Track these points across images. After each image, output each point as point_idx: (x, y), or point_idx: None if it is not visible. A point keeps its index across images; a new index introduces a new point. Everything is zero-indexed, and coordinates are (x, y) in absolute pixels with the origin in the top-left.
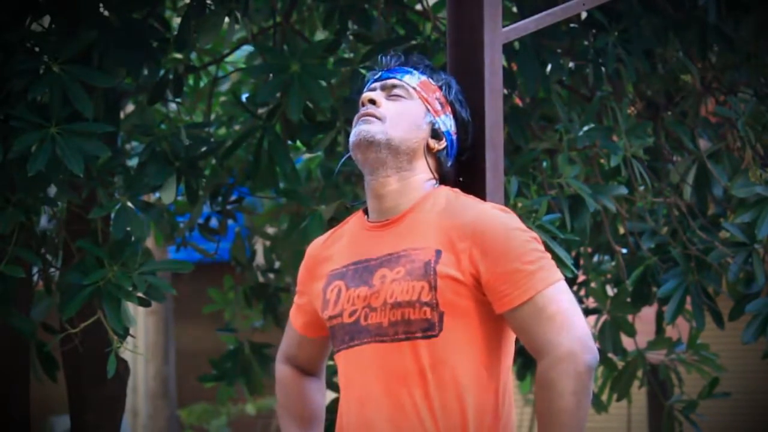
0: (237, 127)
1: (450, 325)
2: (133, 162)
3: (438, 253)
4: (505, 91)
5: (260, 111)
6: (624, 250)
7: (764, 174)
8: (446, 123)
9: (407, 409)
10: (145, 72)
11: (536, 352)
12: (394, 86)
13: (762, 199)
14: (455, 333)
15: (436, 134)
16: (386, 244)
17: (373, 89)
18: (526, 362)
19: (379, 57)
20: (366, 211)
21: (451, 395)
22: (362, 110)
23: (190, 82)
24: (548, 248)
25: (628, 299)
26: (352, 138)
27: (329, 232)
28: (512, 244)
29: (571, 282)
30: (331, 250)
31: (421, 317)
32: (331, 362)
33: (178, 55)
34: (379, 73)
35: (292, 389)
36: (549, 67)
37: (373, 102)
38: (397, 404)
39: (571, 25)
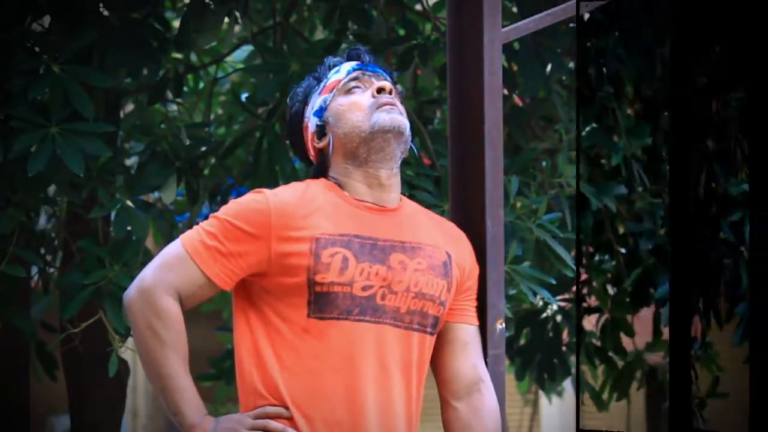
0: (237, 127)
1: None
2: (133, 162)
3: (449, 255)
4: (505, 91)
5: (260, 111)
6: (623, 251)
7: None
8: None
9: (403, 397)
10: (145, 72)
11: (466, 373)
12: (384, 88)
13: None
14: (435, 337)
15: None
16: (390, 230)
17: (369, 79)
18: (526, 362)
19: (351, 51)
20: (340, 187)
21: (418, 395)
22: (383, 98)
23: (190, 82)
24: (548, 247)
25: (627, 299)
26: (385, 123)
27: (291, 190)
28: (475, 273)
29: (570, 281)
30: (307, 210)
31: (434, 313)
32: None
33: (178, 55)
34: (363, 67)
35: (181, 327)
36: (549, 67)
37: (385, 91)
38: (398, 390)
39: (571, 25)
